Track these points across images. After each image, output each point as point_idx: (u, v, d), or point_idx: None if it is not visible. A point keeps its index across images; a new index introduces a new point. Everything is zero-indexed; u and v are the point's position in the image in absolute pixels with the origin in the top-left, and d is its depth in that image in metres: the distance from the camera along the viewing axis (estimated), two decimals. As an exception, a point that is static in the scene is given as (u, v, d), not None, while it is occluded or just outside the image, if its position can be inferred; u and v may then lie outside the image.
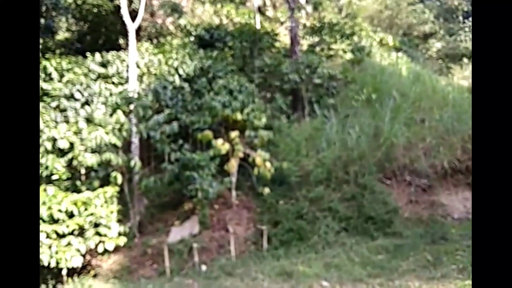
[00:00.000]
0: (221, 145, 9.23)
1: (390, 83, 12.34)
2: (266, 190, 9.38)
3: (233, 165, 9.50)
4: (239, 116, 9.85)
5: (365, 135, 10.33)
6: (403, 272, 6.79)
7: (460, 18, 22.86)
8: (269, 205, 9.43)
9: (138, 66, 11.14)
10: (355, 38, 14.60)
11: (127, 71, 10.75)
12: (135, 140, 10.00)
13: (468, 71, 18.62)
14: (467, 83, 16.35)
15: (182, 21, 14.63)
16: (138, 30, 12.66)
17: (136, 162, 8.84)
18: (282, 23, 15.44)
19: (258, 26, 14.58)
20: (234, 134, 9.50)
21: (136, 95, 9.76)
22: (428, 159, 10.18)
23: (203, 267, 7.94)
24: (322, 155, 10.15)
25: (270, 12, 16.76)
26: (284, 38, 15.30)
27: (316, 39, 14.43)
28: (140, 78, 11.14)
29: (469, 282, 5.68)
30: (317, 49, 14.10)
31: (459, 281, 6.07)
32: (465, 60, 19.68)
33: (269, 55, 13.40)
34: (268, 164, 9.37)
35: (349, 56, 14.08)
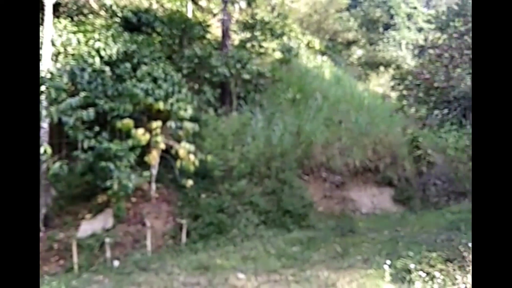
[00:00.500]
0: (141, 135, 8.80)
1: (314, 85, 13.00)
2: (189, 183, 9.22)
3: (154, 156, 9.15)
4: (162, 106, 9.49)
5: (288, 133, 10.75)
6: (314, 263, 7.16)
7: (381, 29, 24.98)
8: (191, 199, 9.30)
9: (53, 44, 10.09)
10: (285, 38, 15.04)
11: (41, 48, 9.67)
12: (45, 124, 9.07)
13: (383, 79, 20.44)
14: (381, 90, 17.97)
15: (108, 1, 13.61)
16: (57, 6, 11.45)
17: (46, 148, 8.01)
18: (214, 15, 15.23)
19: (189, 15, 14.21)
20: (156, 124, 9.14)
21: (48, 75, 8.83)
22: (342, 158, 10.97)
23: (116, 263, 7.53)
24: (246, 150, 10.30)
25: (203, 2, 16.43)
26: (216, 31, 15.14)
27: (248, 35, 14.55)
28: (55, 57, 10.11)
29: (371, 271, 6.17)
30: (248, 45, 14.22)
31: (363, 270, 6.59)
32: (382, 68, 21.58)
33: (199, 45, 13.13)
34: (192, 156, 9.21)
35: (278, 55, 14.47)
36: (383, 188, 11.58)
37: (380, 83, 19.80)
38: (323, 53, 17.63)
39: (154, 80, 9.86)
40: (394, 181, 11.58)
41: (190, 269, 7.04)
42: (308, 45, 17.00)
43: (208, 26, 14.15)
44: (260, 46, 14.14)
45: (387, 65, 21.48)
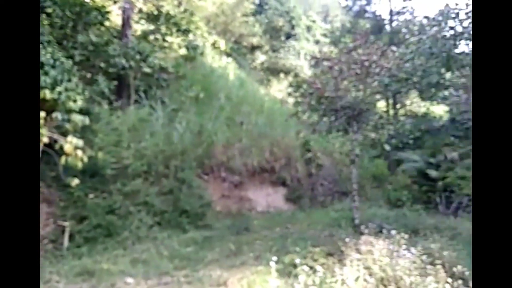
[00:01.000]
0: (19, 126, 7.66)
1: (218, 85, 13.08)
2: (74, 182, 8.32)
3: (33, 150, 8.04)
4: (48, 95, 8.41)
5: (190, 131, 10.58)
6: (208, 262, 7.15)
7: (283, 37, 26.45)
8: (76, 199, 8.42)
9: None
10: (191, 35, 14.78)
11: None
12: None
13: (283, 85, 21.67)
14: (281, 95, 19.02)
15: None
16: None
17: None
18: (115, 2, 14.16)
19: (86, -2, 12.94)
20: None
21: None
22: (242, 158, 11.25)
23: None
24: (143, 148, 9.80)
25: (103, -14, 15.13)
26: (116, 18, 14.10)
27: (151, 27, 13.87)
28: None
29: (261, 267, 6.40)
30: (151, 37, 13.56)
31: (254, 267, 6.81)
32: (282, 75, 22.87)
33: (96, 33, 12.04)
34: (79, 152, 8.33)
35: (183, 51, 14.14)
36: (277, 187, 12.26)
37: (280, 89, 20.95)
38: (228, 55, 17.86)
39: (41, 65, 8.68)
40: (287, 181, 12.37)
41: (72, 276, 6.37)
42: (213, 45, 17.02)
43: (108, 12, 13.05)
44: (164, 40, 13.63)
45: (287, 72, 22.82)
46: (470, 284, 5.02)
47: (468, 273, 5.29)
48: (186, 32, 13.43)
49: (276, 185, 12.25)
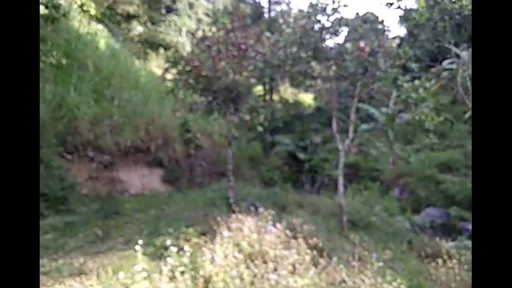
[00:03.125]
0: None
1: (85, 53, 11.58)
2: None
3: None
4: None
5: (47, 103, 9.15)
6: (70, 250, 6.48)
7: (163, 11, 25.04)
8: None
9: None
10: (53, -8, 12.63)
11: None
12: None
13: (162, 61, 20.61)
14: (159, 71, 18.06)
15: None
16: None
17: None
18: None
19: None
20: None
21: None
22: (113, 137, 10.33)
23: None
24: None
25: None
26: None
27: (-1, -26, 11.35)
28: None
29: (130, 252, 6.04)
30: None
31: (122, 252, 6.40)
32: (162, 50, 21.71)
33: None
34: None
35: (42, 10, 12.00)
36: (153, 168, 11.73)
37: (159, 65, 19.89)
38: (99, 21, 15.93)
39: None
40: (165, 162, 11.94)
41: None
42: (82, 8, 14.94)
43: None
44: (17, -6, 11.32)
45: (167, 47, 21.76)
46: (324, 253, 5.76)
47: (322, 244, 5.99)
48: (46, -12, 11.39)
49: (152, 166, 11.69)
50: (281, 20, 10.02)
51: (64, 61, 10.20)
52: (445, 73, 14.65)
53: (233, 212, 7.03)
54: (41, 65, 10.27)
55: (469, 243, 8.25)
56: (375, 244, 7.26)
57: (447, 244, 7.33)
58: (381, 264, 4.99)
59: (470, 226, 10.46)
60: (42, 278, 5.10)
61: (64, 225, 7.62)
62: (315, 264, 4.96)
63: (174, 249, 5.04)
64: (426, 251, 7.40)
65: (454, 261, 5.54)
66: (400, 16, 22.87)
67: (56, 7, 11.54)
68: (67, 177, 8.85)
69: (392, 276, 4.84)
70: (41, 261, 5.87)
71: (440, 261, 5.68)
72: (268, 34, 8.81)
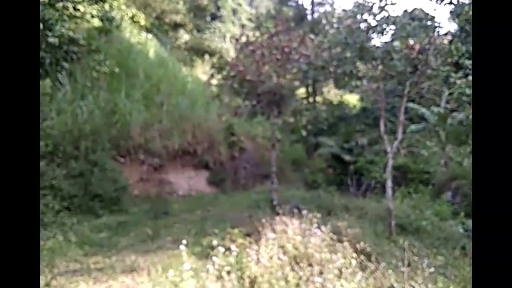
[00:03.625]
0: None
1: (136, 62, 12.27)
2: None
3: None
4: None
5: (101, 110, 9.81)
6: (122, 248, 6.83)
7: (208, 18, 25.81)
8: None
9: None
10: (106, 6, 13.54)
11: None
12: None
13: (208, 67, 21.25)
14: (205, 77, 18.63)
15: None
16: None
17: None
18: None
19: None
20: None
21: None
22: (162, 140, 10.81)
23: None
24: (48, 126, 8.82)
25: None
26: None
27: (60, -8, 12.38)
28: None
29: (179, 251, 6.26)
30: (59, 5, 12.11)
31: (171, 250, 6.66)
32: (207, 56, 22.37)
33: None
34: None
35: (96, 23, 12.92)
36: (199, 171, 12.11)
37: (204, 71, 20.50)
38: (148, 31, 16.79)
39: None
40: (210, 164, 12.28)
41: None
42: (132, 19, 15.85)
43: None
44: (75, 9, 12.29)
45: (212, 54, 22.39)
46: (372, 258, 5.59)
47: (369, 248, 5.82)
48: (101, 1, 12.25)
49: (199, 168, 12.08)
50: (324, 21, 9.91)
51: (116, 70, 10.89)
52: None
53: (277, 214, 7.04)
54: (95, 74, 11.04)
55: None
56: (425, 249, 6.93)
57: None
58: (432, 270, 4.77)
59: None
60: (97, 274, 5.45)
61: (117, 224, 8.06)
62: (362, 269, 4.83)
63: (220, 249, 5.17)
64: (482, 258, 6.92)
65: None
66: (451, 11, 21.64)
67: (110, 20, 12.37)
68: (120, 179, 9.39)
69: (444, 284, 4.62)
70: (95, 258, 6.24)
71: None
72: (311, 36, 8.77)
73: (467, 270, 6.37)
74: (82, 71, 11.01)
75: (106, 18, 12.12)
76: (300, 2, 23.38)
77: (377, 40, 8.91)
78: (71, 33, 10.70)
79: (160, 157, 10.74)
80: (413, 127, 15.85)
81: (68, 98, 9.80)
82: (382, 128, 8.12)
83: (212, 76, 9.94)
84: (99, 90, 10.33)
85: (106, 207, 8.65)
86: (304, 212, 6.55)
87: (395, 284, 4.30)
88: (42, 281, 5.14)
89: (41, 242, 6.80)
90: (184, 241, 4.78)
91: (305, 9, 23.00)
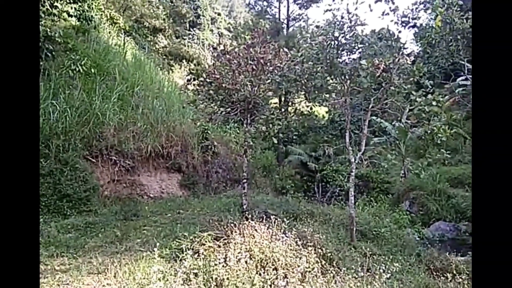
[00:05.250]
0: None
1: (113, 63, 12.26)
2: None
3: None
4: None
5: (75, 110, 9.75)
6: (89, 249, 6.79)
7: (187, 25, 25.97)
8: None
9: None
10: (86, 6, 13.45)
11: None
12: None
13: (185, 72, 21.40)
14: (182, 82, 18.76)
15: None
16: None
17: None
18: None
19: None
20: None
21: None
22: (136, 142, 10.85)
23: None
24: (18, 123, 8.69)
25: None
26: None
27: (36, -12, 12.18)
28: None
29: (148, 253, 6.32)
30: (35, 0, 11.93)
31: (139, 252, 6.68)
32: (185, 62, 22.51)
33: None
34: None
35: (74, 22, 12.81)
36: (172, 173, 12.20)
37: (181, 76, 20.64)
38: (127, 33, 16.77)
39: None
40: (183, 167, 12.41)
41: None
42: (111, 20, 15.78)
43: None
44: (52, 6, 12.14)
45: (190, 60, 22.57)
46: (334, 263, 5.89)
47: (332, 254, 6.16)
48: (80, 1, 12.17)
49: (171, 171, 12.17)
50: (299, 36, 10.35)
51: (93, 70, 10.87)
52: (459, 89, 14.66)
53: (246, 219, 7.25)
54: (70, 73, 10.96)
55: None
56: (383, 255, 7.38)
57: (456, 259, 7.37)
58: (388, 275, 5.09)
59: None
60: (62, 276, 5.42)
61: (85, 225, 8.02)
62: (324, 274, 5.06)
63: (189, 252, 5.33)
64: (435, 264, 7.46)
65: (464, 276, 5.60)
66: (414, 33, 22.95)
67: (88, 19, 12.31)
68: (91, 179, 9.36)
69: (401, 288, 4.96)
70: (61, 259, 6.19)
71: (449, 275, 5.73)
72: (286, 49, 9.18)
73: (422, 276, 6.86)
74: (57, 69, 10.89)
75: (84, 18, 12.05)
76: (276, 16, 23.94)
77: (346, 57, 9.43)
78: (48, 30, 10.58)
79: (133, 159, 10.76)
80: (375, 139, 16.70)
81: (40, 96, 9.67)
82: (347, 139, 8.61)
83: (188, 81, 10.15)
84: (73, 89, 10.27)
85: (75, 207, 8.62)
86: (273, 217, 6.82)
87: None
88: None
89: (4, 242, 6.72)
90: (158, 244, 4.89)
91: (282, 23, 23.59)
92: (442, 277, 6.00)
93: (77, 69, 10.75)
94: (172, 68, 21.05)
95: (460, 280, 5.53)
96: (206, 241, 6.41)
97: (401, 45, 8.39)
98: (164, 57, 21.95)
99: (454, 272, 5.84)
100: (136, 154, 10.87)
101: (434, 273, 6.98)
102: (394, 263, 6.93)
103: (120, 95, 11.37)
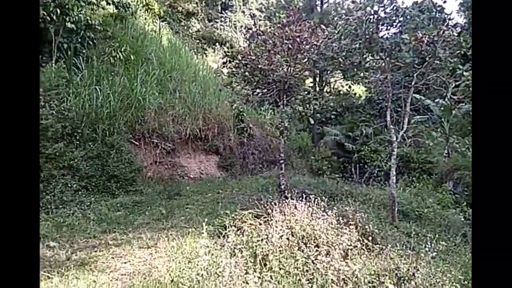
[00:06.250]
0: None
1: (150, 49, 12.57)
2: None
3: None
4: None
5: (117, 95, 10.15)
6: (138, 226, 7.18)
7: (219, 7, 25.93)
8: None
9: None
10: (122, -8, 13.77)
11: None
12: None
13: (218, 56, 21.48)
14: (215, 65, 18.90)
15: None
16: None
17: None
18: None
19: None
20: None
21: None
22: (175, 126, 11.18)
23: None
24: (66, 108, 9.19)
25: None
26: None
27: (76, -22, 12.60)
28: None
29: (192, 229, 6.59)
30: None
31: (185, 229, 6.95)
32: (218, 45, 22.59)
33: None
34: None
35: (112, 10, 13.18)
36: (210, 155, 12.52)
37: (215, 60, 20.76)
38: (162, 19, 17.05)
39: None
40: (220, 149, 12.70)
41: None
42: (147, 6, 16.07)
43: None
44: (90, -5, 12.53)
45: (223, 43, 22.61)
46: (378, 240, 5.85)
47: (374, 232, 6.11)
48: (116, -12, 12.48)
49: (209, 153, 12.50)
50: (334, 12, 10.06)
51: (132, 57, 11.20)
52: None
53: (286, 198, 7.31)
54: (111, 59, 11.37)
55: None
56: (427, 236, 7.23)
57: (504, 239, 7.06)
58: (434, 254, 4.99)
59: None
60: (115, 250, 5.81)
61: (133, 204, 8.45)
62: (367, 251, 5.08)
63: (232, 229, 5.49)
64: (481, 245, 7.23)
65: (512, 255, 5.37)
66: (460, 3, 21.51)
67: (125, 6, 12.62)
68: (135, 161, 9.80)
69: (446, 268, 4.86)
70: (113, 235, 6.59)
71: (496, 255, 5.53)
72: (322, 26, 8.97)
73: (468, 257, 6.68)
74: (98, 56, 11.33)
75: (121, 5, 12.37)
76: (309, -7, 23.32)
77: (385, 31, 9.07)
78: (88, 19, 10.98)
79: (173, 142, 11.13)
80: (418, 118, 16.07)
81: (85, 83, 10.14)
82: (388, 117, 8.38)
83: (224, 63, 10.20)
84: (115, 75, 10.67)
85: (122, 187, 9.06)
86: (312, 196, 6.83)
87: (401, 266, 4.44)
88: (63, 256, 5.54)
89: (61, 219, 7.23)
90: (197, 221, 5.04)
91: (315, 0, 22.97)
92: (489, 258, 5.81)
93: (117, 56, 11.12)
94: (205, 52, 21.22)
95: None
96: (247, 219, 6.54)
97: (446, 16, 7.94)
98: (198, 41, 22.15)
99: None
100: (175, 137, 11.22)
101: (482, 253, 6.76)
102: (439, 243, 6.79)
103: (158, 80, 11.68)
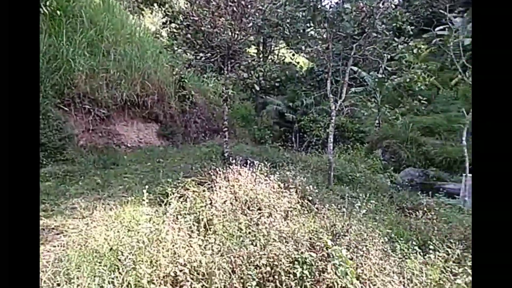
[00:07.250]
0: None
1: (79, 4, 11.30)
2: None
3: None
4: None
5: (43, 55, 9.10)
6: (70, 196, 6.74)
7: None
8: None
9: None
10: None
11: None
12: None
13: (157, 18, 20.17)
14: (154, 28, 17.76)
15: None
16: None
17: None
18: None
19: None
20: None
21: None
22: (109, 90, 10.40)
23: None
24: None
25: None
26: None
27: None
28: None
29: (131, 198, 6.32)
30: None
31: (123, 198, 6.69)
32: (156, 6, 21.15)
33: None
34: None
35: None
36: (149, 123, 11.94)
37: (153, 21, 19.50)
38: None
39: None
40: (160, 117, 12.15)
41: None
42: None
43: None
44: None
45: (161, 4, 21.21)
46: (316, 202, 6.17)
47: (314, 193, 6.42)
48: None
49: (148, 120, 11.89)
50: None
51: (58, 13, 10.01)
52: (436, 39, 14.87)
53: (229, 165, 7.33)
54: (33, 14, 10.06)
55: (445, 200, 8.91)
56: (359, 197, 7.79)
57: (425, 200, 7.92)
58: (364, 211, 5.43)
59: (447, 186, 11.17)
60: (46, 221, 5.39)
61: (64, 173, 7.85)
62: (307, 212, 5.35)
63: (174, 196, 5.37)
64: (406, 205, 8.01)
65: (433, 213, 6.04)
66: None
67: (49, -46, 11.08)
68: (65, 128, 9.03)
69: (375, 224, 5.31)
70: (43, 206, 6.11)
71: (420, 213, 6.18)
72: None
73: (394, 215, 7.35)
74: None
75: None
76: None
77: (328, 0, 9.20)
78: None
79: (107, 108, 10.36)
80: (353, 89, 16.91)
81: (1, 39, 8.91)
82: (328, 87, 8.65)
83: (164, 24, 9.60)
84: (39, 33, 9.49)
85: (51, 156, 8.36)
86: (256, 163, 6.94)
87: (337, 223, 4.84)
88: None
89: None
90: (136, 190, 4.84)
91: (262, -37, 22.29)
92: (413, 215, 6.48)
93: (41, 10, 9.85)
94: (142, 12, 19.79)
95: (430, 216, 6.01)
96: (190, 186, 6.47)
97: (386, -11, 8.24)
98: (134, 1, 20.52)
99: (425, 209, 6.30)
100: (110, 102, 10.45)
101: (406, 212, 7.52)
102: (368, 203, 7.37)
103: (89, 40, 10.64)
